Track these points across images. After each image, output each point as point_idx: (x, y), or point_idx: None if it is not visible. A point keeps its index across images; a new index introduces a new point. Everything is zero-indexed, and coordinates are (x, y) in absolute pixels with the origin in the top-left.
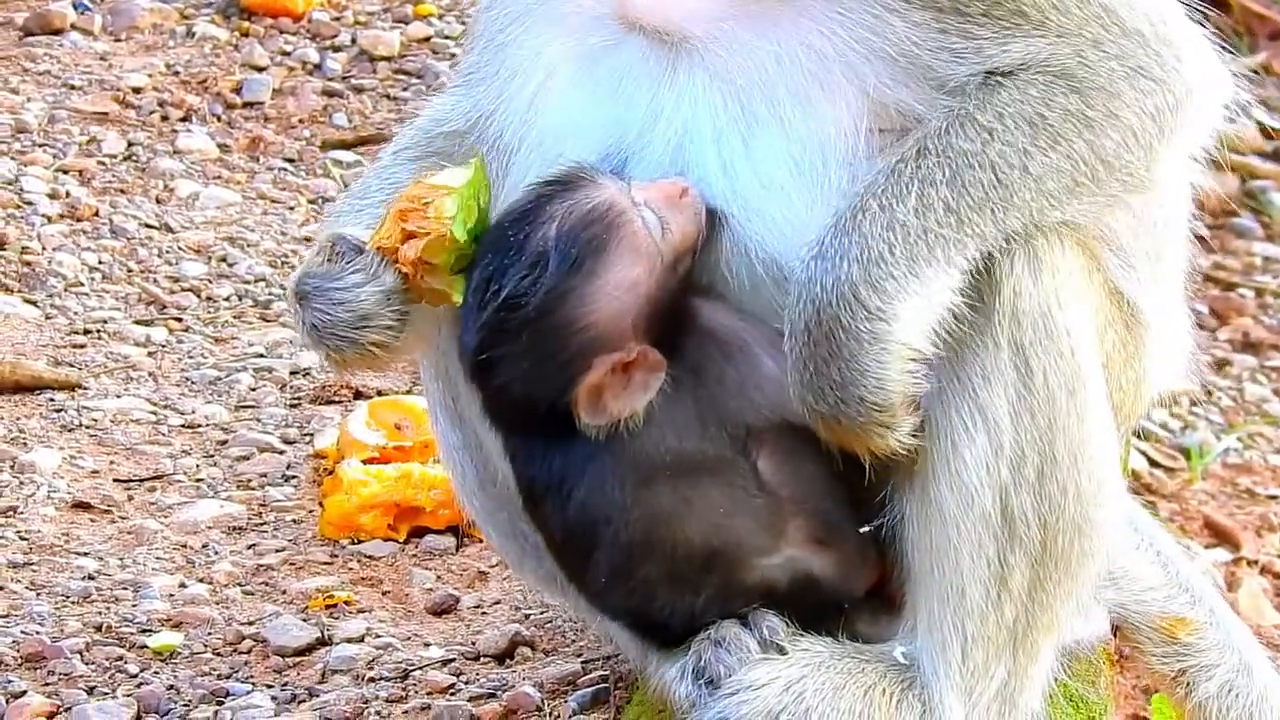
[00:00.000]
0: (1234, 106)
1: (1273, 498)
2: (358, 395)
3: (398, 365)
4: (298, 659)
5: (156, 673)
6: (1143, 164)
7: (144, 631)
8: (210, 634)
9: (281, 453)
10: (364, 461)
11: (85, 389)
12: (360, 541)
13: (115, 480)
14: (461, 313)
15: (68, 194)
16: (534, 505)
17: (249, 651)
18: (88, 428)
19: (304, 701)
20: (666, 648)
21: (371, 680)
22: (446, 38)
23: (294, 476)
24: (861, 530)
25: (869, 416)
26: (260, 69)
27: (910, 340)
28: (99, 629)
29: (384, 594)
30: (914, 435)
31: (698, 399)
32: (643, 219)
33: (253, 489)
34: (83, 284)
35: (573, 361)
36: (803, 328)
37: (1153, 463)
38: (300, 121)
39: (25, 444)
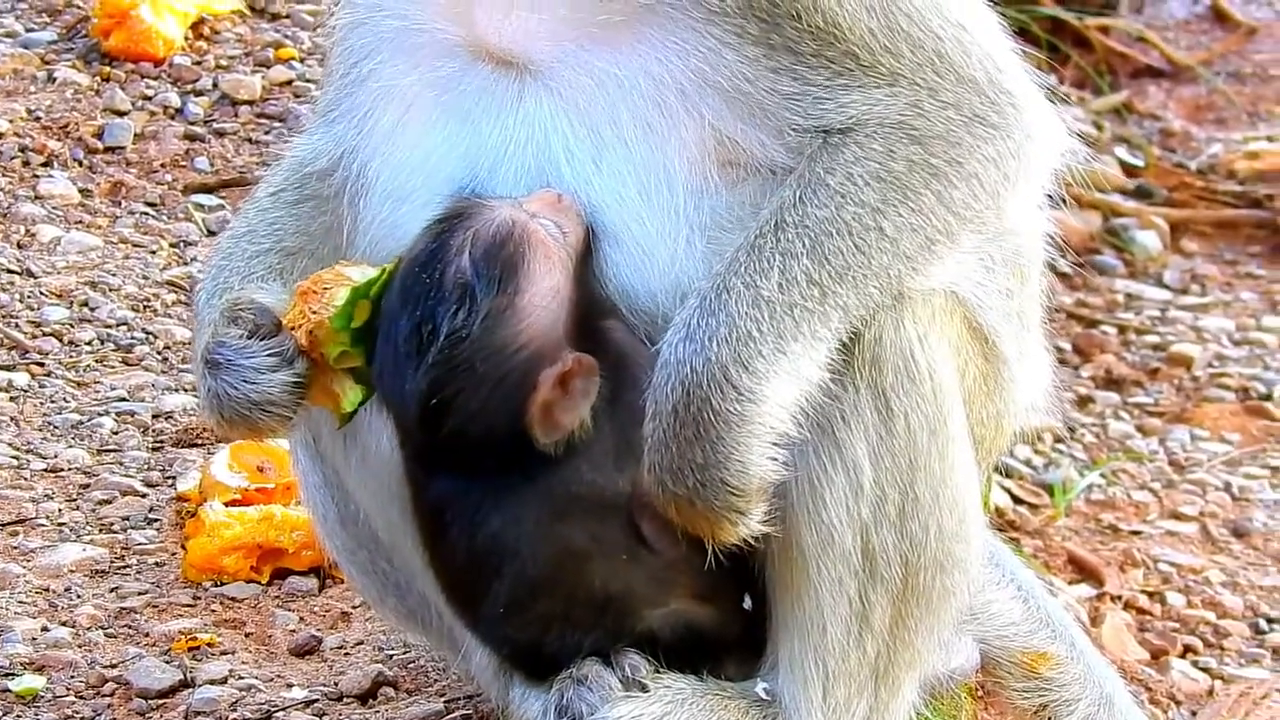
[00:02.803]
0: (1071, 152)
1: (1136, 533)
2: (220, 438)
3: None
4: (161, 701)
5: (19, 716)
6: (991, 211)
7: (6, 675)
8: (73, 677)
9: (144, 496)
10: (226, 504)
11: None
12: (223, 583)
13: None
14: (384, 372)
15: None
16: (438, 532)
17: (112, 694)
18: None
19: None
20: (541, 680)
21: None
22: (308, 81)
23: (156, 519)
24: (744, 605)
25: (726, 501)
26: (122, 114)
27: (776, 423)
28: None
29: (247, 635)
30: (763, 524)
31: (613, 430)
32: (544, 227)
33: (115, 532)
34: None
35: (522, 383)
36: (670, 409)
37: (1016, 499)
38: (162, 166)
39: None
